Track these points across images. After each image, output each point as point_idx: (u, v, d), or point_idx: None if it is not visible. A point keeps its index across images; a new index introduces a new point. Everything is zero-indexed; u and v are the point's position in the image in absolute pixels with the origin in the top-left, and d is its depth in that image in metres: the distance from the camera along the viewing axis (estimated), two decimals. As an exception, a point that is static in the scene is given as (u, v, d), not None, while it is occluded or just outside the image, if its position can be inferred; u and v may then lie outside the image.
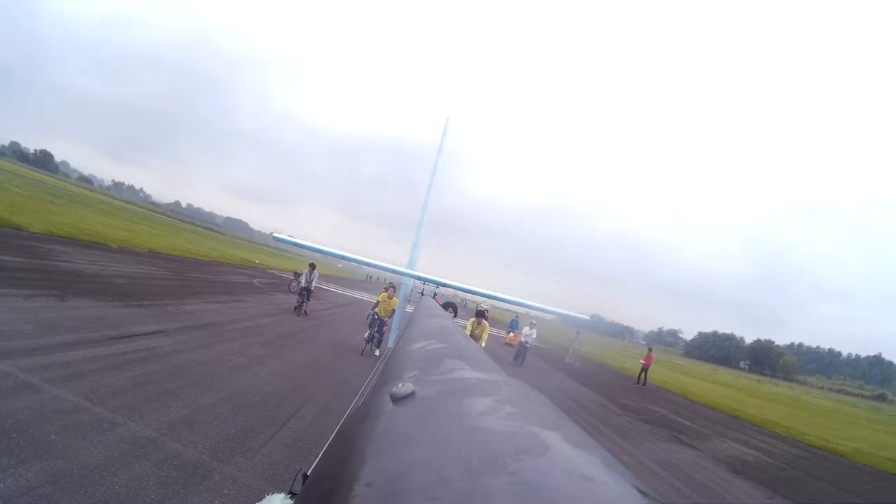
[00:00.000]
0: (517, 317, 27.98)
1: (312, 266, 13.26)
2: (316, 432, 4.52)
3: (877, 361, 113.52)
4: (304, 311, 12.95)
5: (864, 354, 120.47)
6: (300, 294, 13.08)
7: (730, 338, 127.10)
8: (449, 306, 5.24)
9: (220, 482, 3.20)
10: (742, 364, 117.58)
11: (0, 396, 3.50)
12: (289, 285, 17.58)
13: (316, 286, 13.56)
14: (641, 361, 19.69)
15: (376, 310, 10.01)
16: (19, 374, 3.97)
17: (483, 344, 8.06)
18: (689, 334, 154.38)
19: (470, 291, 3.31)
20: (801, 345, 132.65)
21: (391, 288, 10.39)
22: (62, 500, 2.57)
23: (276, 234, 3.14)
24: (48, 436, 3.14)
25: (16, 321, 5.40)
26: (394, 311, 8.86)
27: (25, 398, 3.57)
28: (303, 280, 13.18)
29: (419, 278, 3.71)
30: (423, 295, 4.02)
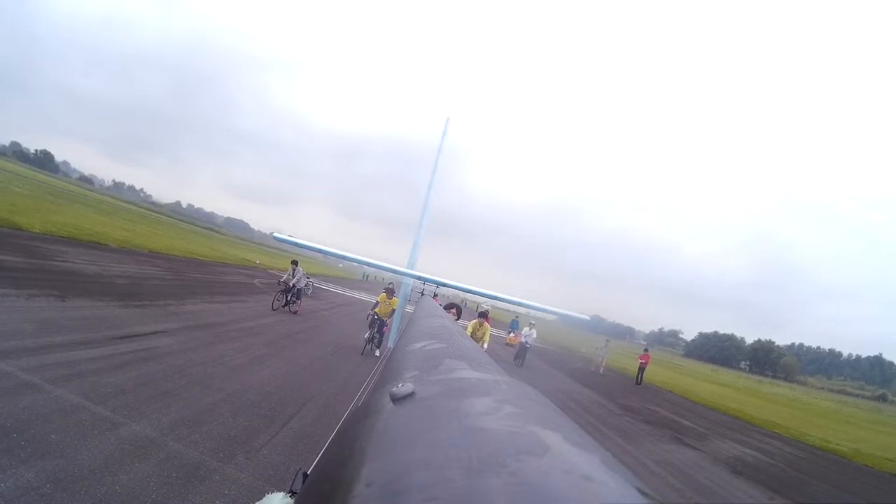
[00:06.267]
0: (517, 317, 27.97)
1: (295, 263, 12.86)
2: (317, 432, 4.52)
3: (877, 362, 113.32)
4: (294, 311, 12.77)
5: (864, 355, 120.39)
6: (282, 291, 12.64)
7: (730, 338, 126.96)
8: (452, 307, 5.21)
9: (221, 482, 3.21)
10: (743, 364, 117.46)
11: (1, 396, 3.50)
12: (279, 283, 17.56)
13: (316, 286, 13.29)
14: (640, 361, 19.78)
15: (376, 310, 10.02)
16: (20, 374, 3.98)
17: (485, 346, 8.05)
18: (689, 335, 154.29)
19: (470, 291, 3.30)
20: (801, 345, 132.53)
21: (390, 290, 10.38)
22: (63, 500, 2.57)
23: (276, 234, 3.14)
24: (49, 436, 3.14)
25: (17, 321, 5.41)
26: (394, 311, 8.86)
27: (26, 398, 3.58)
28: (284, 277, 12.76)
29: (419, 278, 3.71)
30: (423, 295, 4.02)
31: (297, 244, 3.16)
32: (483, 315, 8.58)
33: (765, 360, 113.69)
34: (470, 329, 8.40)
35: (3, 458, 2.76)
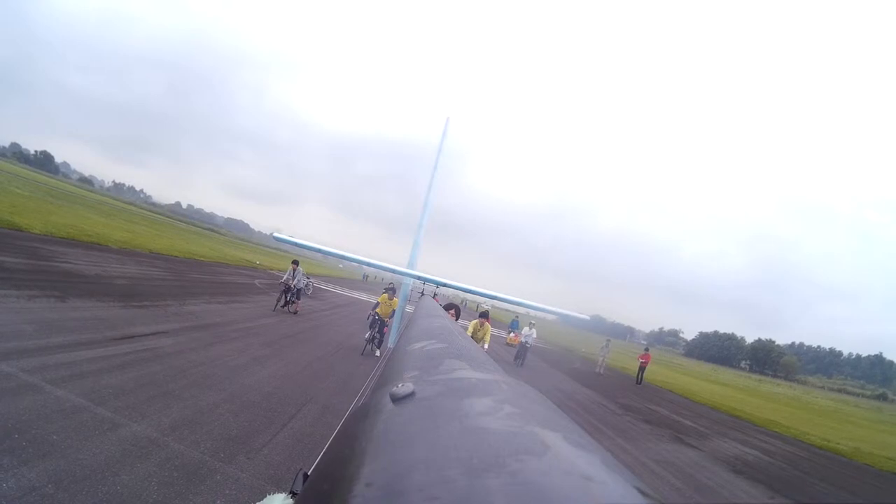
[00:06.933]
0: (517, 317, 27.97)
1: (296, 263, 12.88)
2: (317, 432, 4.53)
3: (877, 361, 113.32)
4: (294, 311, 12.77)
5: (864, 354, 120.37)
6: (283, 292, 12.68)
7: (730, 337, 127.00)
8: (451, 308, 5.21)
9: (222, 482, 3.21)
10: (743, 364, 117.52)
11: (2, 397, 3.51)
12: (280, 283, 17.60)
13: (316, 287, 13.27)
14: (640, 360, 19.78)
15: (377, 310, 10.03)
16: (21, 375, 3.98)
17: (486, 346, 8.06)
18: (689, 334, 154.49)
19: (470, 291, 3.30)
20: (801, 344, 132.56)
21: (391, 290, 10.39)
22: (64, 500, 2.57)
23: (276, 234, 3.13)
24: (50, 436, 3.14)
25: (17, 322, 5.40)
26: (394, 311, 8.85)
27: (27, 399, 3.58)
28: (284, 277, 12.79)
29: (419, 278, 3.71)
30: (423, 295, 4.01)
31: (297, 244, 3.16)
32: (484, 315, 8.58)
33: (765, 359, 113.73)
34: (471, 329, 8.40)
35: (5, 458, 2.76)
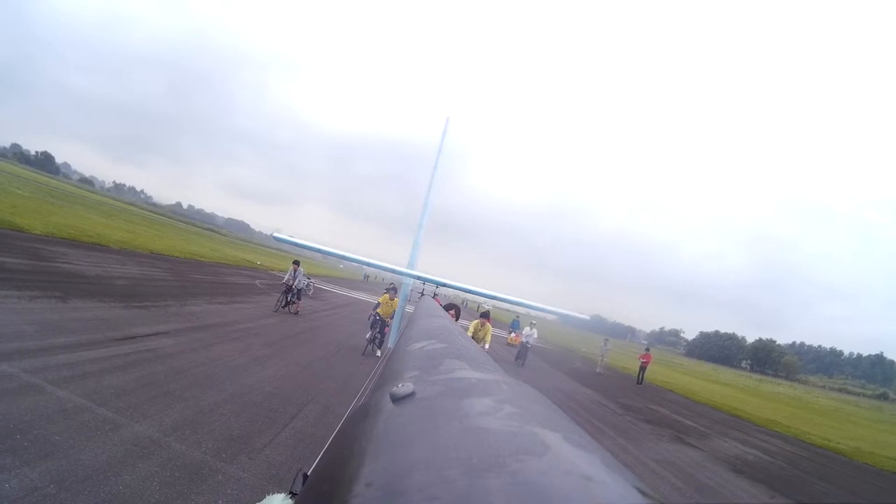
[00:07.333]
0: (518, 317, 27.99)
1: (297, 263, 12.87)
2: (318, 432, 4.53)
3: (878, 360, 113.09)
4: (295, 311, 12.78)
5: (865, 353, 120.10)
6: (284, 293, 12.71)
7: (731, 337, 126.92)
8: (451, 308, 5.21)
9: (224, 482, 3.21)
10: (743, 364, 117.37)
11: (3, 398, 3.51)
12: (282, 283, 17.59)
13: (317, 287, 13.28)
14: (641, 360, 19.77)
15: (378, 310, 10.04)
16: (23, 376, 3.98)
17: (487, 346, 8.07)
18: (690, 334, 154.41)
19: (471, 291, 3.31)
20: (802, 344, 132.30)
21: (392, 290, 10.39)
22: (66, 500, 2.58)
23: (276, 234, 3.13)
24: (52, 437, 3.15)
25: (18, 322, 5.41)
26: (395, 311, 8.86)
27: (29, 399, 3.59)
28: (285, 277, 12.80)
29: (419, 278, 3.71)
30: (423, 295, 4.02)
31: (297, 244, 3.17)
32: (485, 315, 8.60)
33: (766, 359, 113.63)
34: (471, 329, 8.42)
35: (7, 458, 2.77)
